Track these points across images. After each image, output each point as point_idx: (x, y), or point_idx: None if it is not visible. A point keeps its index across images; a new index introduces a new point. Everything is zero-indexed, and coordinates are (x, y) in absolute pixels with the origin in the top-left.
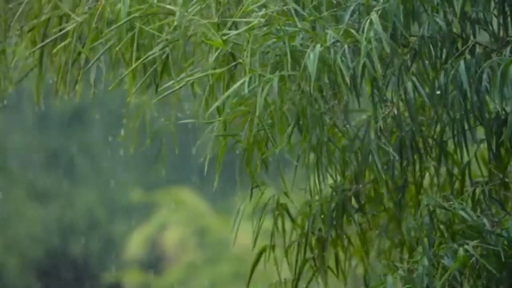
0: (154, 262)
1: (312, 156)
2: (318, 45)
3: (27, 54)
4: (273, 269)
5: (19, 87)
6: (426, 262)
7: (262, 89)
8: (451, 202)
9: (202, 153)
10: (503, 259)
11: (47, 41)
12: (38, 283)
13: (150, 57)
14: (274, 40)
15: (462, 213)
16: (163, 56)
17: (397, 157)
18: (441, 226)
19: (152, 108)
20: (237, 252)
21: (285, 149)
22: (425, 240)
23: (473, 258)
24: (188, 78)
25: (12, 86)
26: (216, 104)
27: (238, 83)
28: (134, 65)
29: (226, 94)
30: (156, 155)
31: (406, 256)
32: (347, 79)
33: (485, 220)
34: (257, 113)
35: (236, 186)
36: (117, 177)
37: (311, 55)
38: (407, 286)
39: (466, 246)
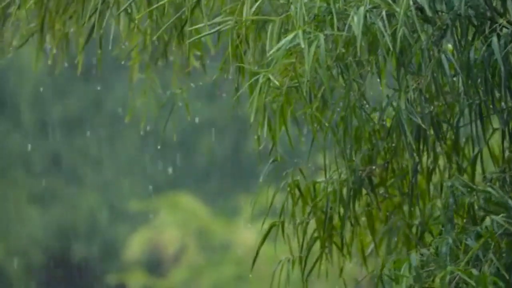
0: (155, 265)
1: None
2: (362, 8)
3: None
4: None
5: (21, 90)
6: (450, 240)
7: (310, 45)
8: (473, 185)
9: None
10: None
11: None
12: (39, 286)
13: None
14: None
15: (490, 189)
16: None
17: (424, 127)
18: (461, 211)
19: (156, 84)
20: (239, 254)
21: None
22: (449, 221)
23: (501, 230)
24: (222, 25)
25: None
26: (270, 52)
27: (291, 36)
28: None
29: (279, 44)
30: (165, 124)
31: (414, 240)
32: (390, 44)
33: (509, 200)
34: (307, 67)
35: (234, 190)
36: (118, 181)
37: (355, 18)
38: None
39: (494, 217)
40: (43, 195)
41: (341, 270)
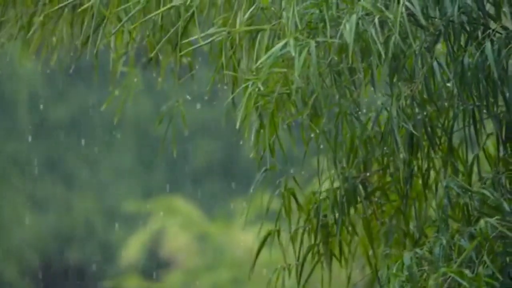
0: (152, 269)
1: (324, 141)
2: (354, 15)
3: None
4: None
5: (17, 94)
6: (444, 241)
7: (301, 52)
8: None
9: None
10: None
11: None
12: None
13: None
14: (307, 4)
15: (485, 191)
16: (189, 13)
17: (417, 134)
18: (455, 212)
19: (138, 83)
20: (236, 258)
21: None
22: (443, 221)
23: (495, 232)
24: (217, 34)
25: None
26: (260, 61)
27: (281, 43)
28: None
29: (270, 52)
30: (163, 138)
31: (410, 244)
32: (382, 51)
33: (504, 203)
34: (296, 74)
35: (231, 193)
36: (114, 185)
37: (347, 26)
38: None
39: (488, 219)
40: (39, 198)
41: (349, 278)
